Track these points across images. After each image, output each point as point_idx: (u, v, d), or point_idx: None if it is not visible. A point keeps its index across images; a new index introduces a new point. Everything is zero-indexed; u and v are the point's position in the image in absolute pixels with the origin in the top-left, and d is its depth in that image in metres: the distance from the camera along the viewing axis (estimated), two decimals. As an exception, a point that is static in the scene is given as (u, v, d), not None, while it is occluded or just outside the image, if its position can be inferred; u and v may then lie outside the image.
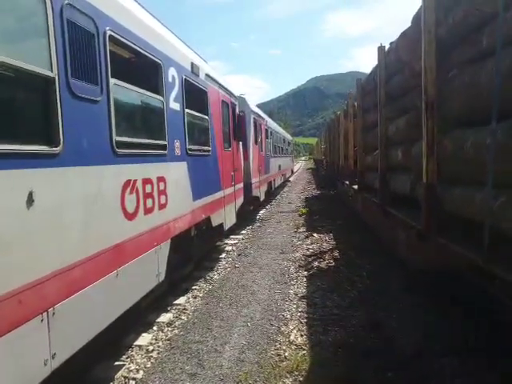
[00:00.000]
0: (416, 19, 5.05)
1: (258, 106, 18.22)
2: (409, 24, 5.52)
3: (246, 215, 12.80)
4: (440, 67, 4.35)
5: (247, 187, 11.82)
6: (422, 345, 4.33)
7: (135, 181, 4.23)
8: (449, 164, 4.20)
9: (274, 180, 20.22)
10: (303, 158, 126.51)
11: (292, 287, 6.49)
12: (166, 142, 5.12)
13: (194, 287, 6.78)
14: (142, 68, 4.84)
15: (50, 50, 2.94)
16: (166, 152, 5.12)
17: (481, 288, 4.11)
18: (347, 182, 12.89)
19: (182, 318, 5.54)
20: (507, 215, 3.02)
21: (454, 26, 4.06)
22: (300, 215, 13.71)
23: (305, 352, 4.37)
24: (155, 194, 4.74)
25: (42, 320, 2.79)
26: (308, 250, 8.88)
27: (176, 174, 5.53)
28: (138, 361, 4.43)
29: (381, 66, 7.02)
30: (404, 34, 5.82)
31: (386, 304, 5.54)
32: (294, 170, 46.13)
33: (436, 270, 5.15)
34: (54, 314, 2.90)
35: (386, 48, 6.99)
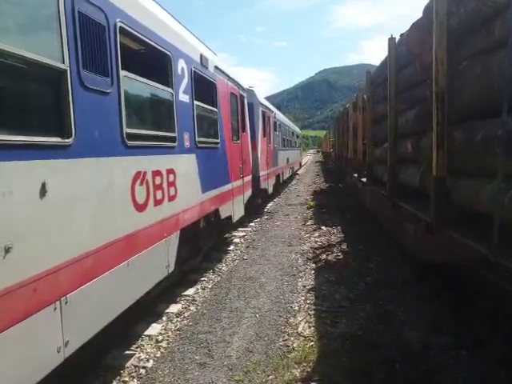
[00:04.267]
0: (427, 10, 4.98)
1: (267, 98, 18.15)
2: (419, 15, 5.46)
3: (254, 208, 12.83)
4: (451, 59, 4.30)
5: (255, 180, 11.82)
6: (429, 338, 4.34)
7: (145, 172, 4.27)
8: (459, 156, 4.17)
9: (283, 173, 20.19)
10: (311, 151, 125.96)
11: (300, 279, 6.52)
12: (175, 134, 5.15)
13: (202, 278, 6.84)
14: (152, 60, 4.86)
15: (61, 42, 2.96)
16: (175, 144, 5.14)
17: (490, 281, 4.10)
18: (356, 175, 12.83)
19: (191, 308, 5.60)
20: (517, 208, 3.00)
21: (466, 16, 4.00)
22: (308, 208, 13.70)
23: (313, 343, 4.40)
24: (165, 185, 4.77)
25: (55, 308, 2.85)
26: (316, 242, 8.90)
27: (185, 166, 5.56)
28: (148, 350, 4.50)
29: (391, 57, 6.95)
30: (415, 25, 5.75)
31: (393, 296, 5.55)
32: (303, 163, 46.01)
33: (444, 262, 5.13)
34: (66, 302, 2.96)
35: (397, 40, 6.92)
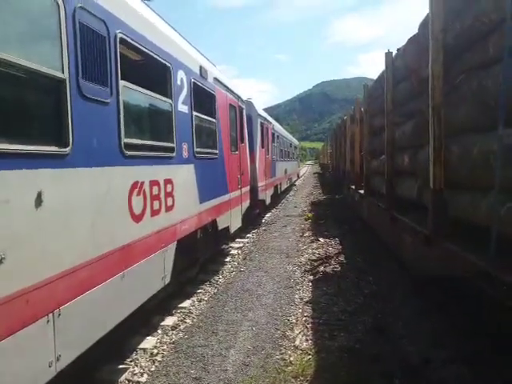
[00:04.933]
0: (423, 26, 5.05)
1: (265, 110, 18.25)
2: (415, 30, 5.53)
3: (252, 218, 12.79)
4: (447, 73, 4.34)
5: (253, 190, 11.82)
6: (429, 351, 4.29)
7: (143, 182, 4.25)
8: (456, 169, 4.18)
9: (280, 184, 20.21)
10: (309, 162, 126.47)
11: (297, 292, 6.47)
12: (173, 145, 5.15)
13: (199, 290, 6.78)
14: (152, 71, 4.87)
15: (61, 52, 2.97)
16: (173, 154, 5.14)
17: (488, 294, 4.07)
18: (353, 187, 12.86)
19: (187, 321, 5.53)
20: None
21: (462, 32, 4.05)
22: (306, 219, 13.68)
23: (310, 357, 4.35)
24: (162, 195, 4.75)
25: (48, 321, 2.79)
26: (314, 254, 8.85)
27: (183, 176, 5.55)
28: (143, 364, 4.43)
29: (388, 71, 7.01)
30: (411, 41, 5.82)
31: (392, 309, 5.51)
32: (300, 175, 46.10)
33: (442, 275, 5.11)
34: (59, 315, 2.91)
35: (393, 54, 6.99)
